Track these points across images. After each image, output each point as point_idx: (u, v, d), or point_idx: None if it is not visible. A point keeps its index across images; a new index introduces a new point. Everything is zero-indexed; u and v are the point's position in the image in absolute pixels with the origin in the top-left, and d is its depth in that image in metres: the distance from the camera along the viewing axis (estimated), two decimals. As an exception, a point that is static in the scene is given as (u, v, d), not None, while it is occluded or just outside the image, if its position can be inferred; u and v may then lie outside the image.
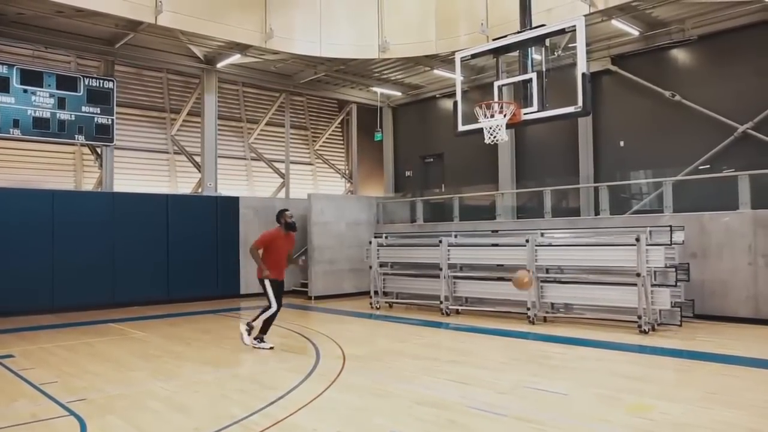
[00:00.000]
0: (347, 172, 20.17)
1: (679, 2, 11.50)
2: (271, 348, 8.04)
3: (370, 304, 12.88)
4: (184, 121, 16.27)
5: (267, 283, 8.06)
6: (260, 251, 8.14)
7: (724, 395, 5.51)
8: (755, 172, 10.20)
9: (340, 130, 20.52)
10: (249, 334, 8.10)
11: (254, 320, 8.12)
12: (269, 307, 8.03)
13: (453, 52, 10.81)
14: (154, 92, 16.11)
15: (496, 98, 9.29)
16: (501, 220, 13.66)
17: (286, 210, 8.41)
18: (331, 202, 15.39)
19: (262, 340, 8.17)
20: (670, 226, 9.49)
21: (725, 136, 12.03)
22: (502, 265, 11.31)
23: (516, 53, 9.42)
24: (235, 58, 14.77)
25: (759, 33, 11.62)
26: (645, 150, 13.14)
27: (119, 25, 12.80)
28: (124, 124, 15.01)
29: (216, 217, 14.86)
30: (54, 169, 14.19)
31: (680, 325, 9.28)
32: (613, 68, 13.57)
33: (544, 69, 9.00)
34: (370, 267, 12.90)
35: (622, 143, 13.60)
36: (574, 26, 8.44)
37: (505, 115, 8.93)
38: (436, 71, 15.74)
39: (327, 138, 19.99)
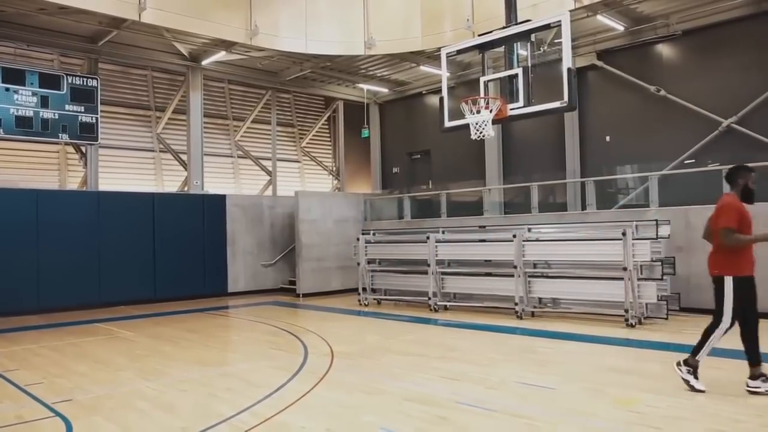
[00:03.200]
0: (334, 169, 20.12)
1: (664, -3, 11.60)
2: (703, 391, 5.36)
3: (359, 301, 12.88)
4: (169, 119, 16.15)
5: (730, 284, 5.27)
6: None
7: (710, 387, 5.55)
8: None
9: (326, 127, 20.47)
10: (694, 377, 5.44)
11: (698, 352, 5.44)
12: (718, 323, 5.33)
13: (439, 48, 10.79)
14: (139, 90, 15.97)
15: (482, 94, 9.30)
16: (488, 215, 13.69)
17: (751, 170, 5.48)
18: (318, 200, 15.34)
19: (695, 373, 5.46)
20: (656, 221, 9.56)
21: (710, 131, 12.14)
22: (489, 261, 11.39)
23: (502, 49, 9.44)
24: (221, 56, 14.68)
25: (743, 27, 11.73)
26: (631, 145, 13.23)
27: (102, 22, 12.67)
28: (108, 122, 14.86)
29: (203, 216, 14.76)
30: (38, 169, 14.05)
31: (666, 319, 9.35)
32: (599, 63, 13.65)
33: (529, 64, 9.02)
34: (358, 264, 12.88)
35: (608, 138, 13.68)
36: (560, 21, 8.46)
37: (491, 111, 8.94)
38: (422, 67, 15.75)
39: (314, 135, 19.94)
